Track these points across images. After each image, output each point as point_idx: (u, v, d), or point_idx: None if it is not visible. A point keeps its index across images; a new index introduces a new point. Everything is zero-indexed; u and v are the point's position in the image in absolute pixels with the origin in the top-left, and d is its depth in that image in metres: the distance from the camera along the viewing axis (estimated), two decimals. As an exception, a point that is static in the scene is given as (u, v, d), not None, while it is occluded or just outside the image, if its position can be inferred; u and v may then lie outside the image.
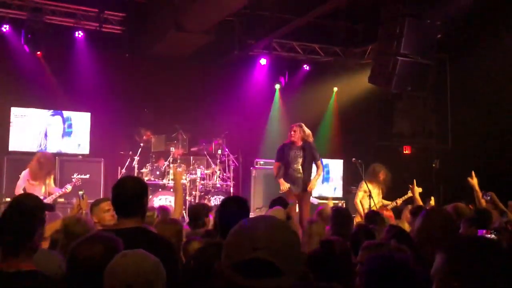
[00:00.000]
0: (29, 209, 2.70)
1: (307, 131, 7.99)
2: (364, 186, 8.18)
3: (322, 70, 11.38)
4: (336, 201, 9.93)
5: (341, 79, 11.35)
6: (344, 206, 9.67)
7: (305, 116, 11.13)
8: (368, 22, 10.41)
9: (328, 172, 10.93)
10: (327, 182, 10.93)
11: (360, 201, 8.26)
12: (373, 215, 5.47)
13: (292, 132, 7.94)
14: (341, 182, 10.96)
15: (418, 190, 6.59)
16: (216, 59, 10.38)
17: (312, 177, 7.94)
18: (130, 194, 3.08)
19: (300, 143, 7.92)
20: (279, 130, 11.34)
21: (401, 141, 11.20)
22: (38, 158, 7.74)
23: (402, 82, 8.26)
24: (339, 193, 10.91)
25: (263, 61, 10.79)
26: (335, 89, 11.77)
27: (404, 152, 11.34)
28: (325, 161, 10.87)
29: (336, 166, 10.96)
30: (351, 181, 10.53)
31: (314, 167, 8.03)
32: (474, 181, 6.01)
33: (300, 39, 10.87)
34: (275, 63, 10.92)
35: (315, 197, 10.43)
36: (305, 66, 11.41)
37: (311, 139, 8.03)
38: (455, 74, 10.21)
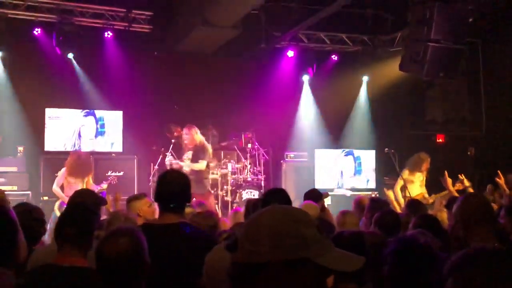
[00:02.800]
0: (89, 205, 2.79)
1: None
2: (404, 174, 8.09)
3: (351, 59, 11.23)
4: (369, 192, 9.85)
5: (371, 68, 11.19)
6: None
7: (335, 107, 11.13)
8: (396, 8, 10.21)
9: (360, 164, 10.83)
10: (359, 174, 10.82)
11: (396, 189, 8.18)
12: (414, 204, 5.27)
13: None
14: (373, 174, 10.83)
15: (450, 181, 6.47)
16: (243, 52, 10.38)
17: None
18: (176, 189, 3.08)
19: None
20: (309, 122, 11.30)
21: (434, 129, 11.00)
22: (76, 157, 7.96)
23: (434, 68, 8.11)
24: (372, 185, 10.78)
25: (290, 53, 10.73)
26: (365, 78, 11.62)
27: (438, 140, 11.14)
28: (356, 152, 10.81)
29: (368, 157, 10.83)
30: (384, 172, 10.40)
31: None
32: (501, 180, 5.91)
33: (327, 29, 10.76)
34: (302, 55, 10.84)
35: (348, 189, 10.38)
36: (333, 56, 11.28)
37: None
38: (487, 59, 9.95)
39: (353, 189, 10.32)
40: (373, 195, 8.76)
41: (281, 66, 10.93)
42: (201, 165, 8.28)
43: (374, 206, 4.80)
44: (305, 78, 11.23)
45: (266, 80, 10.78)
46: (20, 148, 9.23)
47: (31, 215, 3.63)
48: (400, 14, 9.82)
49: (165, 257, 2.85)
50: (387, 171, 10.07)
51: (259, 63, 10.87)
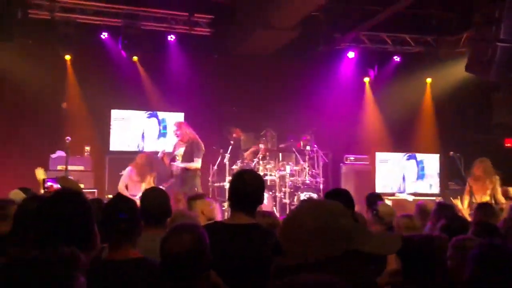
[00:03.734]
0: (134, 204, 2.86)
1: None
2: (469, 181, 7.80)
3: (414, 61, 10.95)
4: (432, 198, 9.54)
5: (435, 70, 10.85)
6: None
7: (397, 110, 10.87)
8: (461, 8, 9.88)
9: (423, 169, 10.52)
10: (422, 179, 10.52)
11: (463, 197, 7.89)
12: (485, 207, 5.04)
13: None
14: (437, 179, 10.48)
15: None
16: (302, 54, 10.34)
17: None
18: (251, 190, 3.05)
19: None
20: (369, 124, 11.10)
21: (501, 133, 10.53)
22: (146, 157, 8.22)
23: (502, 69, 7.79)
24: (435, 190, 10.44)
25: (351, 55, 10.60)
26: (429, 80, 11.30)
27: (506, 145, 10.65)
28: (419, 156, 10.51)
29: (431, 162, 10.50)
30: (448, 177, 10.06)
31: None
32: None
33: (389, 30, 10.56)
34: (363, 56, 10.69)
35: (410, 194, 10.10)
36: (395, 57, 11.04)
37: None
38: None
39: (415, 194, 10.03)
40: (437, 201, 8.50)
41: (342, 68, 10.82)
42: (197, 163, 8.07)
43: (440, 211, 4.68)
44: (366, 80, 11.06)
45: (326, 82, 10.70)
46: (87, 148, 9.61)
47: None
48: (465, 14, 9.50)
49: (237, 257, 2.87)
50: (452, 176, 9.74)
51: (319, 65, 10.79)
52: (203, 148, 8.24)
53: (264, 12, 8.98)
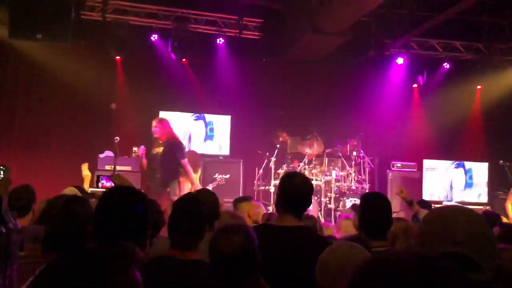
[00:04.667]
0: (204, 204, 2.89)
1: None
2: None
3: (464, 68, 10.77)
4: (480, 207, 9.34)
5: (485, 77, 10.64)
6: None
7: (446, 117, 10.69)
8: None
9: (471, 177, 10.32)
10: (470, 187, 10.31)
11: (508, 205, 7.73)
12: None
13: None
14: (485, 188, 10.26)
15: None
16: (351, 59, 10.29)
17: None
18: (302, 193, 3.08)
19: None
20: (417, 131, 10.95)
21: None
22: (188, 156, 8.26)
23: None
24: (483, 199, 10.23)
25: (400, 61, 10.49)
26: (479, 87, 11.08)
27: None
28: (468, 164, 10.31)
29: (480, 170, 10.30)
30: (497, 186, 9.84)
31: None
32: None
33: (439, 36, 10.41)
34: (413, 62, 10.57)
35: (458, 203, 9.91)
36: (445, 64, 10.88)
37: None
38: None
39: (463, 203, 9.83)
40: (484, 209, 8.33)
41: (390, 74, 10.71)
42: (193, 174, 7.66)
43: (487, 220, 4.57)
44: (415, 86, 10.92)
45: (374, 88, 10.61)
46: (135, 149, 9.71)
47: (153, 208, 3.80)
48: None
49: (287, 259, 2.89)
50: (501, 185, 9.53)
51: (368, 70, 10.71)
52: (184, 147, 7.86)
53: (314, 16, 8.96)
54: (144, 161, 7.98)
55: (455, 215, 1.44)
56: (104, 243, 2.11)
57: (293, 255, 2.92)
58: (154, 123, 7.68)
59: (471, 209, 1.52)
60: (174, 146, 7.55)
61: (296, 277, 2.87)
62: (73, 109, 9.98)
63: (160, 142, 7.89)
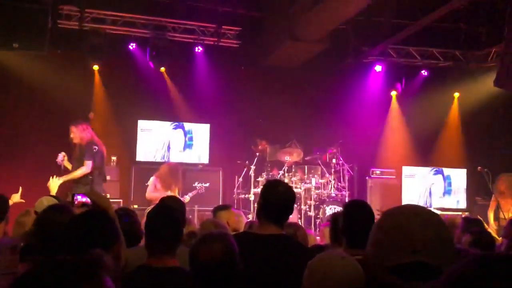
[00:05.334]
0: (179, 210, 2.88)
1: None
2: (493, 196, 7.70)
3: (442, 75, 10.88)
4: (459, 213, 9.40)
5: (463, 84, 10.77)
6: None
7: (424, 124, 10.77)
8: (491, 22, 9.80)
9: (450, 184, 10.38)
10: (449, 194, 10.38)
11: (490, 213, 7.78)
12: None
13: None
14: (464, 194, 10.34)
15: None
16: (329, 67, 10.32)
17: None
18: (285, 202, 3.07)
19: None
20: (396, 138, 11.01)
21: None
22: (169, 167, 8.18)
23: (532, 84, 7.67)
24: (462, 205, 10.29)
25: (378, 68, 10.56)
26: (456, 94, 11.19)
27: (536, 160, 10.46)
28: (446, 171, 10.38)
29: (459, 176, 10.36)
30: (476, 192, 9.92)
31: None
32: None
33: (417, 43, 10.51)
34: (391, 70, 10.64)
35: (437, 209, 9.96)
36: (423, 71, 10.98)
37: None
38: None
39: (442, 209, 9.88)
40: (463, 215, 8.38)
41: (369, 81, 10.77)
42: (80, 171, 7.18)
43: (467, 226, 4.63)
44: (393, 93, 10.98)
45: (352, 95, 10.65)
46: (114, 158, 9.65)
47: (131, 218, 3.76)
48: (495, 28, 9.43)
49: (269, 267, 2.88)
50: (479, 191, 9.61)
51: (346, 78, 10.74)
52: (98, 149, 7.34)
53: (292, 24, 8.99)
54: (64, 168, 7.39)
55: (411, 221, 1.41)
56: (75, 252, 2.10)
57: (274, 263, 2.91)
58: (71, 128, 7.32)
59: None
60: (82, 148, 7.26)
61: (277, 285, 2.86)
62: (50, 118, 9.84)
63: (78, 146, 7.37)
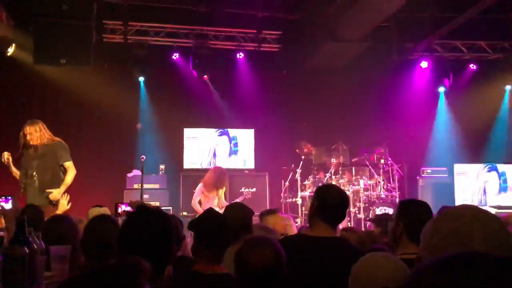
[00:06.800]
0: (225, 219, 2.89)
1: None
2: None
3: (491, 68, 10.48)
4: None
5: (514, 76, 10.36)
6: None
7: (475, 119, 10.42)
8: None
9: (505, 181, 9.98)
10: (505, 191, 9.97)
11: None
12: None
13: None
14: (521, 190, 9.91)
15: None
16: (373, 66, 10.13)
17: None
18: (339, 204, 3.05)
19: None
20: (447, 135, 10.69)
21: None
22: (213, 171, 8.25)
23: None
24: (520, 202, 9.87)
25: (424, 64, 10.28)
26: (508, 87, 10.76)
27: None
28: (501, 167, 9.98)
29: (514, 172, 9.95)
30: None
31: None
32: None
33: (463, 37, 10.19)
34: (437, 65, 10.34)
35: (492, 207, 9.58)
36: (471, 65, 10.62)
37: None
38: None
39: (498, 207, 9.49)
40: None
41: (415, 78, 10.51)
42: (71, 172, 6.40)
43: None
44: (441, 89, 10.67)
45: (398, 93, 10.43)
46: (162, 166, 9.80)
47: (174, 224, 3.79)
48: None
49: (323, 269, 2.84)
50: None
51: (391, 77, 10.53)
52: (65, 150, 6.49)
53: (333, 24, 8.90)
54: (14, 169, 6.48)
55: (470, 226, 1.32)
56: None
57: (328, 265, 2.87)
58: (27, 129, 6.31)
59: (485, 212, 1.39)
60: (48, 151, 6.40)
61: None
62: (99, 130, 10.13)
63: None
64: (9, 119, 9.43)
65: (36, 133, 6.34)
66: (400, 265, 2.02)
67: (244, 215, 3.75)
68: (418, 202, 3.58)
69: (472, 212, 1.37)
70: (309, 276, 2.72)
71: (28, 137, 6.30)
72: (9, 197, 4.99)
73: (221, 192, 8.21)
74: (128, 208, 5.38)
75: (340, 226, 4.88)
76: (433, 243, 1.36)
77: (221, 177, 8.12)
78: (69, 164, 6.41)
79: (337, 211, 3.03)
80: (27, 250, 2.08)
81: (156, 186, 9.63)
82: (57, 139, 6.51)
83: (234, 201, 8.27)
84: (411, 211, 3.08)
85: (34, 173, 6.32)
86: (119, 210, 5.58)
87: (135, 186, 9.32)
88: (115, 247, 2.22)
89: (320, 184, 8.32)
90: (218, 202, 8.08)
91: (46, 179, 6.30)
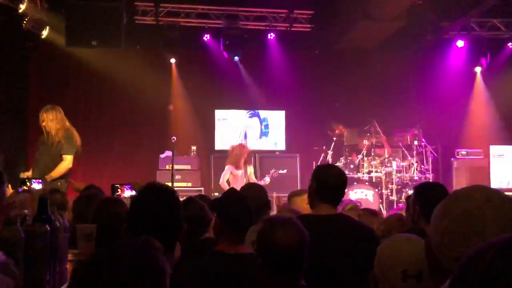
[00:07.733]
0: (247, 199, 2.89)
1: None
2: None
3: (531, 47, 10.14)
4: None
5: (555, 55, 9.98)
6: None
7: (512, 100, 10.10)
8: None
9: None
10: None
11: None
12: None
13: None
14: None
15: None
16: (407, 45, 9.88)
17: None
18: (340, 183, 3.09)
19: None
20: (482, 116, 10.42)
21: None
22: (232, 147, 8.33)
23: None
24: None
25: (460, 43, 10.00)
26: (547, 66, 10.39)
27: None
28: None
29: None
30: None
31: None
32: None
33: (502, 15, 9.85)
34: (474, 44, 10.03)
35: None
36: (510, 44, 10.28)
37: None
38: None
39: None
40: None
41: (450, 58, 10.24)
42: (64, 164, 6.29)
43: None
44: (478, 69, 10.36)
45: (433, 74, 10.19)
46: (193, 148, 9.87)
47: (196, 205, 3.80)
48: None
49: (330, 246, 2.87)
50: None
51: (425, 56, 10.30)
52: (78, 142, 6.45)
53: (366, 3, 8.73)
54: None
55: (482, 208, 1.29)
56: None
57: (335, 241, 2.91)
58: (43, 115, 6.33)
59: (497, 192, 1.35)
60: (63, 137, 6.37)
61: (339, 263, 2.86)
62: (132, 112, 10.24)
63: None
64: (45, 101, 9.59)
65: (51, 120, 6.31)
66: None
67: (260, 194, 3.79)
68: (433, 184, 3.68)
69: (484, 193, 1.34)
70: (322, 253, 2.76)
71: (43, 123, 6.32)
72: (41, 180, 5.23)
73: (250, 171, 8.23)
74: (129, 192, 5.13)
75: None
76: (443, 225, 1.34)
77: (241, 150, 8.14)
78: (66, 157, 6.30)
79: (335, 190, 3.07)
80: (49, 228, 2.12)
81: (188, 167, 9.71)
82: (70, 128, 6.42)
83: (260, 180, 8.34)
84: (427, 194, 3.12)
85: (38, 158, 6.43)
86: (124, 195, 5.25)
87: (167, 167, 9.41)
88: (124, 226, 2.23)
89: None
90: (247, 181, 8.11)
91: (47, 166, 6.28)
